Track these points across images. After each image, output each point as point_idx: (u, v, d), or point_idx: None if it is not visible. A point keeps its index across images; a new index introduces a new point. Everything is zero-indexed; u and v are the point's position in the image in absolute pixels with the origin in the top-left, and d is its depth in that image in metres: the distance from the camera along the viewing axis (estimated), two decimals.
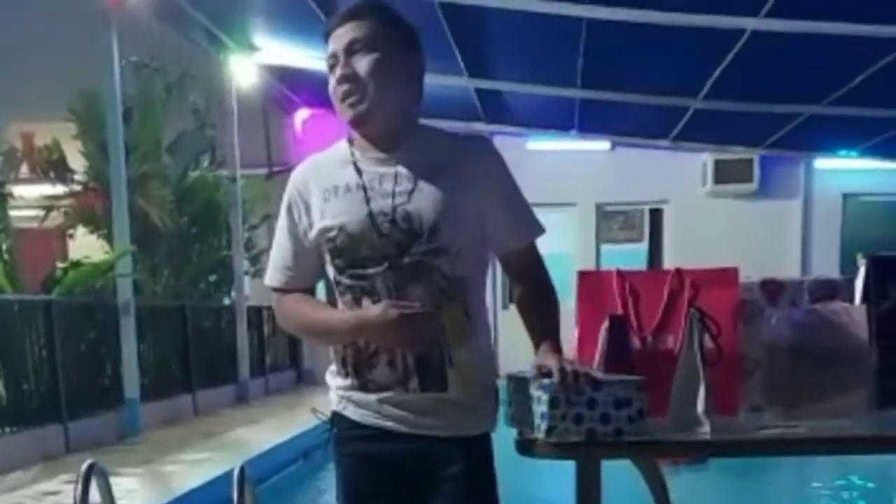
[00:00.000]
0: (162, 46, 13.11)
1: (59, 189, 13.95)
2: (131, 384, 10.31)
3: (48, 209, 14.20)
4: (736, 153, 16.52)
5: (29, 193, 13.85)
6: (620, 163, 17.28)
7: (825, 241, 17.39)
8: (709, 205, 17.64)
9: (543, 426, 2.53)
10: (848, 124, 12.40)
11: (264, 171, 16.57)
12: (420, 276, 2.64)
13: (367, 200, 2.68)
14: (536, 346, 2.76)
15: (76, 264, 10.55)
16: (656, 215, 18.86)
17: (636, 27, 8.76)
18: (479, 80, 11.91)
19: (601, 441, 2.57)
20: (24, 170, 14.20)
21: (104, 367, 10.46)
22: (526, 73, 11.79)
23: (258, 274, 16.22)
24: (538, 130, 15.57)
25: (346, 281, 2.72)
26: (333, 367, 2.85)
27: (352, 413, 2.81)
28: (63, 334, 9.40)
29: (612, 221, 19.53)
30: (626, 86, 11.64)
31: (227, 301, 15.20)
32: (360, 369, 2.75)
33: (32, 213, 14.13)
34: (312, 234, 2.76)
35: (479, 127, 13.66)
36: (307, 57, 12.68)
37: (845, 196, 17.67)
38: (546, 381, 2.53)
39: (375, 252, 2.66)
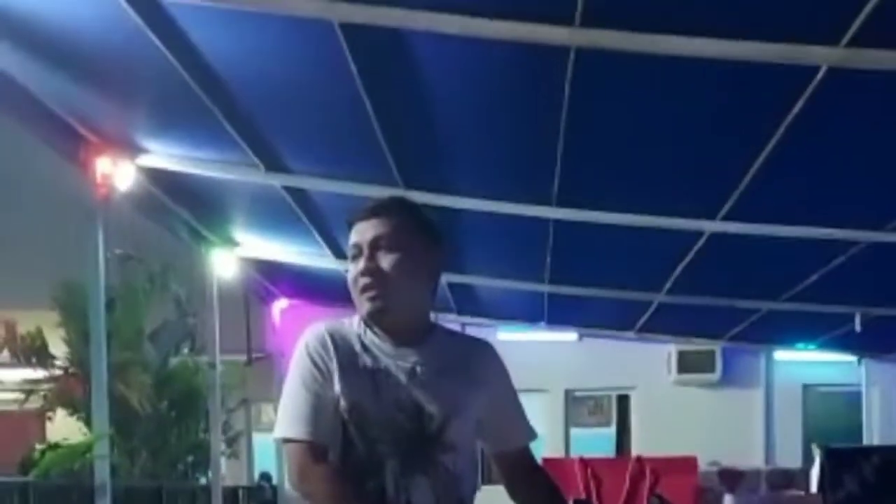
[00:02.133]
0: (145, 239, 13.48)
1: (40, 373, 14.10)
2: None
3: (28, 392, 14.31)
4: (699, 345, 16.86)
5: (9, 377, 14.01)
6: (588, 352, 17.52)
7: (787, 429, 17.51)
8: (674, 392, 17.78)
9: None
10: (805, 319, 12.80)
11: (243, 357, 16.83)
12: (427, 469, 2.70)
13: (383, 387, 2.72)
14: None
15: (54, 446, 10.64)
16: (624, 401, 18.99)
17: (601, 227, 9.17)
18: (451, 274, 12.21)
19: None
20: (6, 355, 14.38)
21: None
22: (497, 269, 12.15)
23: (234, 455, 16.37)
24: (508, 321, 15.82)
25: (360, 446, 2.72)
26: None
27: None
28: None
29: (581, 406, 19.67)
30: (591, 281, 12.04)
31: (203, 481, 15.22)
32: None
33: (12, 395, 14.25)
34: (331, 396, 2.74)
35: (451, 318, 13.91)
36: (285, 251, 13.07)
37: (805, 386, 17.89)
38: None
39: (386, 436, 2.70)
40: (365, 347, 2.80)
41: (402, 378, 2.75)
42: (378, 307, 2.76)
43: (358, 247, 2.81)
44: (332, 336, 2.83)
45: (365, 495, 2.70)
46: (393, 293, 2.74)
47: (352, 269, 2.84)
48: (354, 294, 2.82)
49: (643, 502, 4.09)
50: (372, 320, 2.80)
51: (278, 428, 2.80)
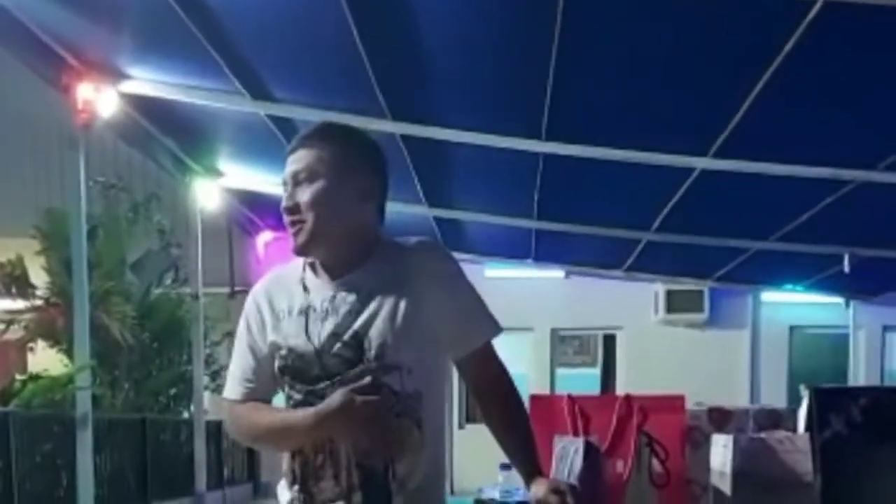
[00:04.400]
0: (129, 168, 13.37)
1: (21, 303, 14.02)
2: (86, 496, 10.24)
3: (8, 323, 14.22)
4: (686, 284, 16.87)
5: None
6: (575, 290, 17.54)
7: (773, 370, 17.62)
8: (660, 332, 17.85)
9: None
10: (793, 260, 12.78)
11: (227, 289, 16.77)
12: (369, 394, 2.61)
13: (317, 323, 2.69)
14: (524, 473, 2.74)
15: (35, 377, 10.59)
16: (610, 341, 19.07)
17: (590, 162, 9.05)
18: (438, 209, 12.19)
19: None
20: None
21: (59, 479, 10.44)
22: (484, 204, 12.06)
23: (218, 389, 16.31)
24: (495, 258, 15.81)
25: (296, 396, 2.72)
26: (283, 481, 2.82)
27: None
28: (19, 446, 9.43)
29: (567, 346, 19.74)
30: (580, 218, 11.96)
31: (186, 415, 15.25)
32: (306, 482, 2.72)
33: None
34: (266, 350, 2.77)
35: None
36: (269, 182, 12.93)
37: (792, 328, 17.99)
38: None
39: (325, 372, 2.66)
40: (304, 288, 2.78)
41: (337, 308, 2.70)
42: (300, 243, 2.73)
43: (284, 183, 2.78)
44: (274, 281, 2.86)
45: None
46: (312, 225, 2.70)
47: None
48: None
49: (631, 440, 4.04)
50: (300, 256, 2.79)
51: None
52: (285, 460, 2.80)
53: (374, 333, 2.65)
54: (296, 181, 2.72)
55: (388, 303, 2.68)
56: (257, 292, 2.85)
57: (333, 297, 2.72)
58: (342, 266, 2.75)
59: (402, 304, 2.68)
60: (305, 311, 2.73)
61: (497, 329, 2.83)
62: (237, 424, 2.85)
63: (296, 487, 2.76)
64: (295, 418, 2.68)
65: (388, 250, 2.79)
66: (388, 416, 2.63)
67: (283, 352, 2.72)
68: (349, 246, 2.75)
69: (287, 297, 2.78)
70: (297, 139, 2.80)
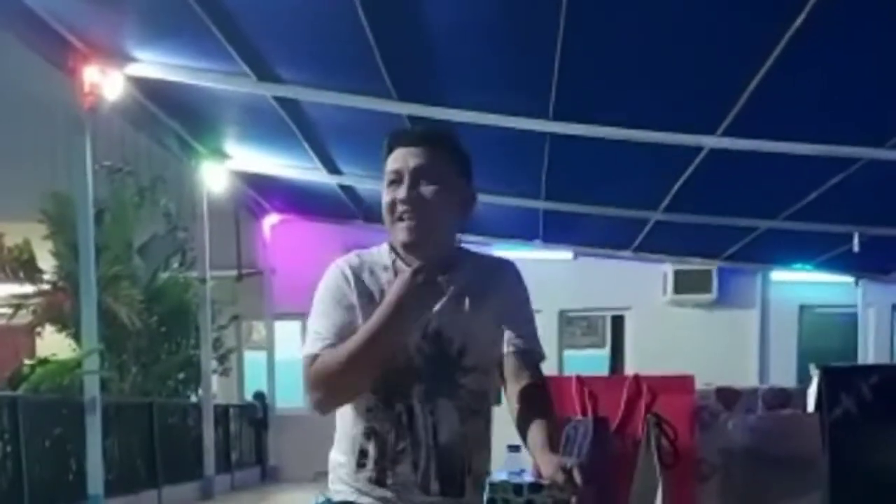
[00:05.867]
0: (135, 152, 13.34)
1: (28, 288, 14.00)
2: (95, 480, 10.28)
3: (17, 307, 14.19)
4: (695, 264, 16.83)
5: None
6: (583, 271, 17.50)
7: (782, 350, 17.56)
8: (669, 313, 17.80)
9: None
10: (803, 239, 12.75)
11: (234, 273, 16.77)
12: (450, 392, 2.73)
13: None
14: (537, 450, 2.69)
15: (43, 361, 10.61)
16: (618, 322, 18.99)
17: (599, 142, 9.04)
18: None
19: None
20: None
21: (69, 463, 10.44)
22: (492, 185, 12.02)
23: (225, 373, 16.37)
24: (503, 240, 15.81)
25: (379, 382, 2.74)
26: (341, 458, 2.83)
27: None
28: (28, 430, 9.44)
29: (575, 327, 19.70)
30: (588, 198, 11.94)
31: (194, 399, 15.27)
32: (383, 462, 2.77)
33: (0, 310, 14.16)
34: (348, 320, 2.74)
35: None
36: (276, 165, 12.93)
37: (801, 307, 17.92)
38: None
39: (410, 362, 2.73)
40: (396, 274, 2.75)
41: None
42: (416, 238, 2.72)
43: (399, 173, 2.73)
44: (361, 262, 2.82)
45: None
46: (429, 225, 2.71)
47: (387, 195, 2.74)
48: (388, 220, 2.75)
49: (640, 421, 4.02)
50: (406, 250, 2.76)
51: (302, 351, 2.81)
52: (351, 439, 2.81)
53: (457, 334, 2.74)
54: (418, 176, 2.70)
55: (473, 308, 2.76)
56: (347, 264, 2.82)
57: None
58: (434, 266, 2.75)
59: (484, 312, 2.76)
60: None
61: (542, 354, 2.86)
62: (321, 373, 2.71)
63: (366, 466, 2.78)
64: (371, 322, 2.65)
65: (472, 259, 2.88)
66: (466, 414, 2.74)
67: None
68: (446, 248, 2.81)
69: (375, 279, 2.79)
70: (417, 134, 2.81)
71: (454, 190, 2.74)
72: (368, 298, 2.75)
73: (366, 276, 2.79)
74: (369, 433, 2.79)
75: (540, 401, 2.80)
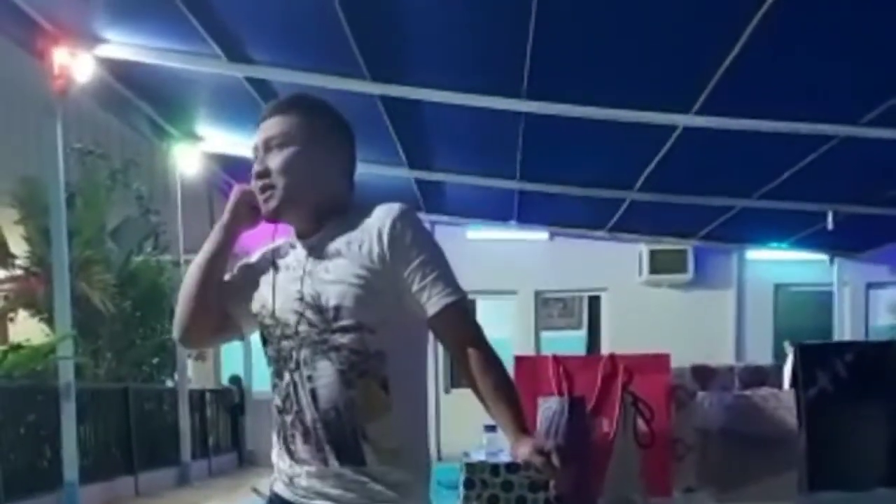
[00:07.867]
0: (107, 135, 13.24)
1: (0, 273, 13.92)
2: (70, 467, 10.23)
3: None
4: (671, 244, 16.85)
5: None
6: (559, 252, 17.49)
7: (758, 329, 17.64)
8: (645, 293, 17.83)
9: None
10: (777, 218, 12.77)
11: None
12: (328, 353, 2.65)
13: (284, 284, 2.75)
14: (510, 434, 2.65)
15: (17, 347, 10.55)
16: (594, 303, 19.03)
17: (572, 121, 8.99)
18: (419, 171, 12.11)
19: None
20: None
21: (43, 450, 10.42)
22: (466, 165, 12.00)
23: (200, 357, 16.32)
24: (478, 220, 15.80)
25: (270, 352, 2.81)
26: (274, 438, 2.88)
27: (281, 489, 2.84)
28: (2, 417, 9.39)
29: (551, 308, 19.74)
30: (563, 178, 11.91)
31: (169, 384, 15.21)
32: (286, 442, 2.79)
33: None
34: (245, 289, 2.88)
35: (420, 216, 13.82)
36: (250, 147, 12.80)
37: (777, 286, 18.01)
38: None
39: (290, 330, 2.71)
40: (287, 250, 2.86)
41: (301, 270, 2.76)
42: (270, 208, 2.76)
43: (255, 150, 2.79)
44: (280, 243, 2.91)
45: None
46: (283, 191, 2.73)
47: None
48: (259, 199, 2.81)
49: (616, 400, 4.00)
50: (270, 220, 2.81)
51: None
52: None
53: (332, 294, 2.67)
54: (267, 147, 2.73)
55: (345, 264, 2.69)
56: (268, 248, 2.92)
57: (300, 259, 2.78)
58: (312, 232, 2.79)
59: (358, 266, 2.68)
60: (275, 274, 2.82)
61: (455, 293, 2.71)
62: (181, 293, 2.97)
63: (279, 444, 2.83)
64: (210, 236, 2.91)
65: (354, 215, 2.78)
66: (350, 375, 2.67)
67: (257, 308, 2.83)
68: (318, 212, 2.78)
69: (268, 260, 2.87)
70: (268, 108, 2.82)
71: (312, 152, 2.74)
72: (266, 275, 2.84)
73: (282, 250, 2.87)
74: (277, 409, 2.83)
75: (482, 369, 2.70)
